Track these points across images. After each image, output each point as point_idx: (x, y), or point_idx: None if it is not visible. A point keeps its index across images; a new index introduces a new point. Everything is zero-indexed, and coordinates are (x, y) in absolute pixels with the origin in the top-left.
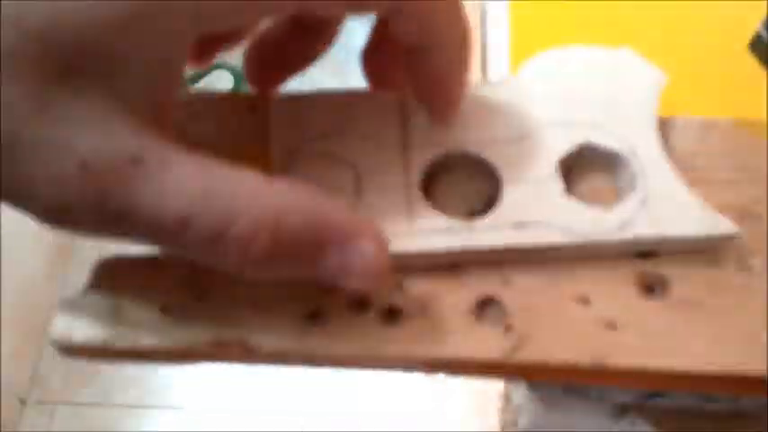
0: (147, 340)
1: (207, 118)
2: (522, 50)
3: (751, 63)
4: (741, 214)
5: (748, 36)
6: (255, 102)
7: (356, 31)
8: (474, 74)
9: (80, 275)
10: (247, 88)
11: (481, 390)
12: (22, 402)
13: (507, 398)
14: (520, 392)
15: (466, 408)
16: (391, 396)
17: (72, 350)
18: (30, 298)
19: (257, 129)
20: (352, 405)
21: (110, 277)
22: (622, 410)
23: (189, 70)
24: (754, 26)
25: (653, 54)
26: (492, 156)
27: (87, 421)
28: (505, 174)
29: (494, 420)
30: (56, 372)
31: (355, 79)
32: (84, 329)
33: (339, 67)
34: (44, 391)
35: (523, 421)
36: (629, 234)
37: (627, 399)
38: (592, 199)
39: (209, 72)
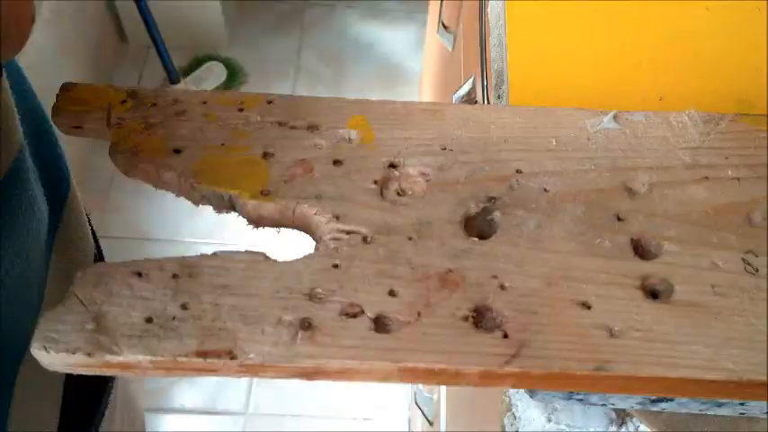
0: (130, 352)
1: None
2: (521, 49)
3: (754, 59)
4: (746, 213)
5: (750, 29)
6: (244, 99)
7: (350, 21)
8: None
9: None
10: (240, 80)
11: (482, 392)
12: None
13: (508, 402)
14: (521, 396)
15: (468, 411)
16: (390, 397)
17: (55, 363)
18: None
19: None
20: (349, 409)
21: (92, 287)
22: (625, 415)
23: (182, 61)
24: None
25: (651, 49)
26: None
27: None
28: None
29: (494, 424)
30: None
31: (350, 69)
32: (66, 342)
33: (335, 58)
34: None
35: (524, 425)
36: None
37: (631, 404)
38: None
39: (202, 63)
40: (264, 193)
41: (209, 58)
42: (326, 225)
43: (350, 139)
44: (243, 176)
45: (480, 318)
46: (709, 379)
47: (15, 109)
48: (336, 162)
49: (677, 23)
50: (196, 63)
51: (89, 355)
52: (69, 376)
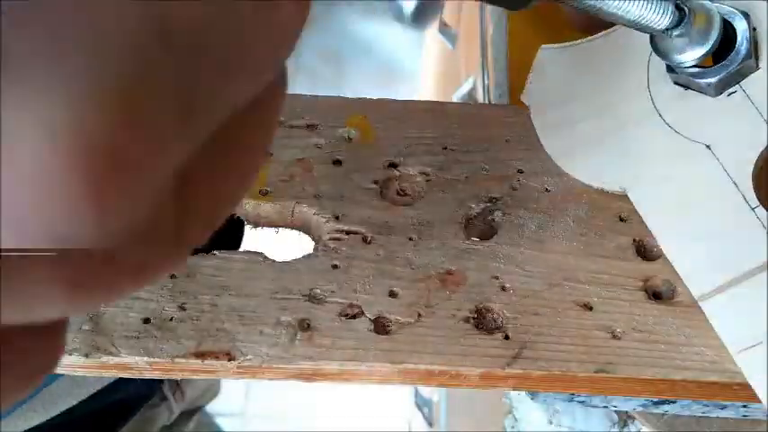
0: (128, 353)
1: None
2: (522, 47)
3: None
4: None
5: None
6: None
7: (350, 18)
8: (474, 72)
9: None
10: None
11: (482, 394)
12: None
13: (509, 404)
14: (522, 398)
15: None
16: (390, 399)
17: None
18: None
19: None
20: (349, 410)
21: None
22: (627, 418)
23: None
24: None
25: None
26: None
27: None
28: None
29: (494, 426)
30: None
31: (350, 68)
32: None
33: (334, 56)
34: None
35: (525, 427)
36: None
37: (633, 406)
38: None
39: None
40: (263, 193)
41: None
42: (326, 225)
43: (349, 138)
44: None
45: (481, 319)
46: (711, 380)
47: None
48: (336, 161)
49: None
50: None
51: (86, 356)
52: None
